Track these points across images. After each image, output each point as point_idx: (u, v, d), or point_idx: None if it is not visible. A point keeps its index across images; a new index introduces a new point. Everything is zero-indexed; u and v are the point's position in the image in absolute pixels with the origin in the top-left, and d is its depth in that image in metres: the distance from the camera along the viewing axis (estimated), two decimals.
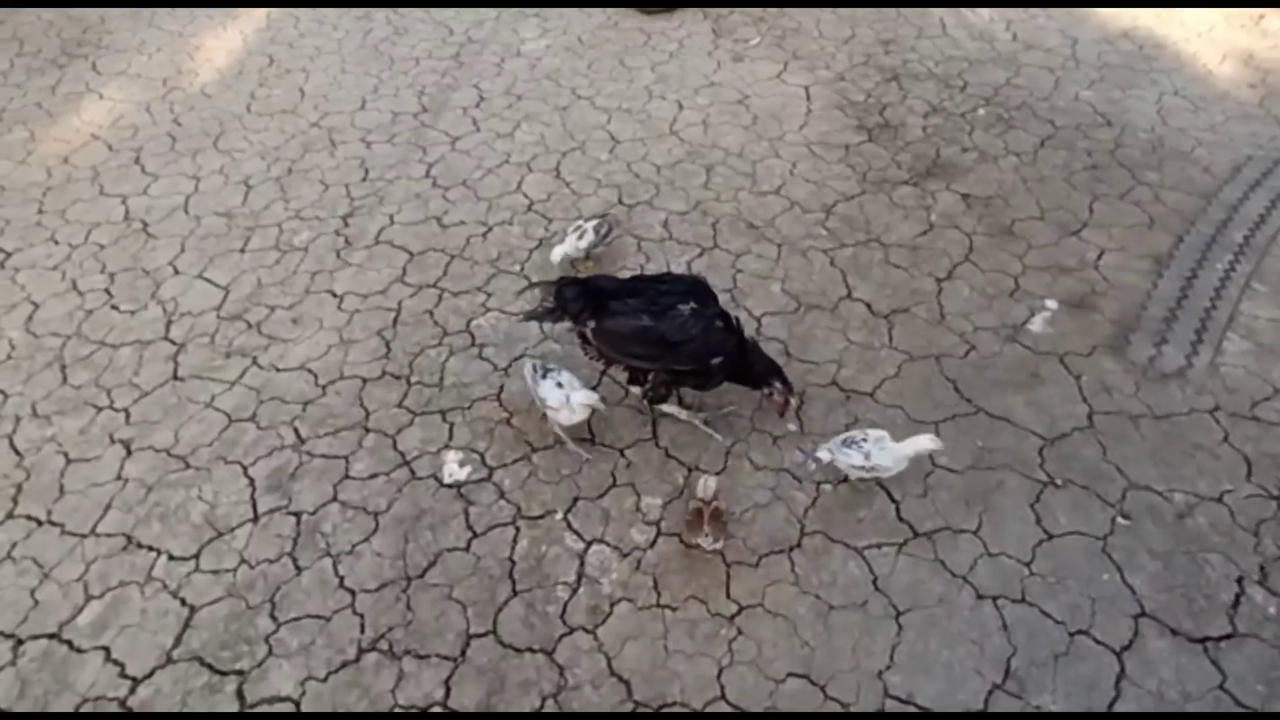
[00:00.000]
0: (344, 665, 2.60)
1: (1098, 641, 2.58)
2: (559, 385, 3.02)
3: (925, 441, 2.83)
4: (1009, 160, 4.59)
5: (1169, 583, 2.72)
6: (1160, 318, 3.64)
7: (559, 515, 2.95)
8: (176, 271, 4.09)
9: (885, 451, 2.82)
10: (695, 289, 3.03)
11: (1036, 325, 3.63)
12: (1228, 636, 2.57)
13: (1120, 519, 2.90)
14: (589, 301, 2.96)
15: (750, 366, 3.04)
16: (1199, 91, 5.10)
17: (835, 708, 2.44)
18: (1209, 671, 2.49)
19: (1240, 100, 5.02)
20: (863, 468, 2.83)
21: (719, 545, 2.75)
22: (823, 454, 2.89)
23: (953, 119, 4.93)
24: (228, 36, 6.11)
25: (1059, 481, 3.01)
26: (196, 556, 2.90)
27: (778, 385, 3.01)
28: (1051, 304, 3.72)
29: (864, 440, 2.84)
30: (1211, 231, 4.07)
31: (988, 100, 5.09)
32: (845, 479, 3.01)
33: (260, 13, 6.42)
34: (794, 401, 3.10)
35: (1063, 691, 2.47)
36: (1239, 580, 2.71)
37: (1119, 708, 2.42)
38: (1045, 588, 2.72)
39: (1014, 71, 5.37)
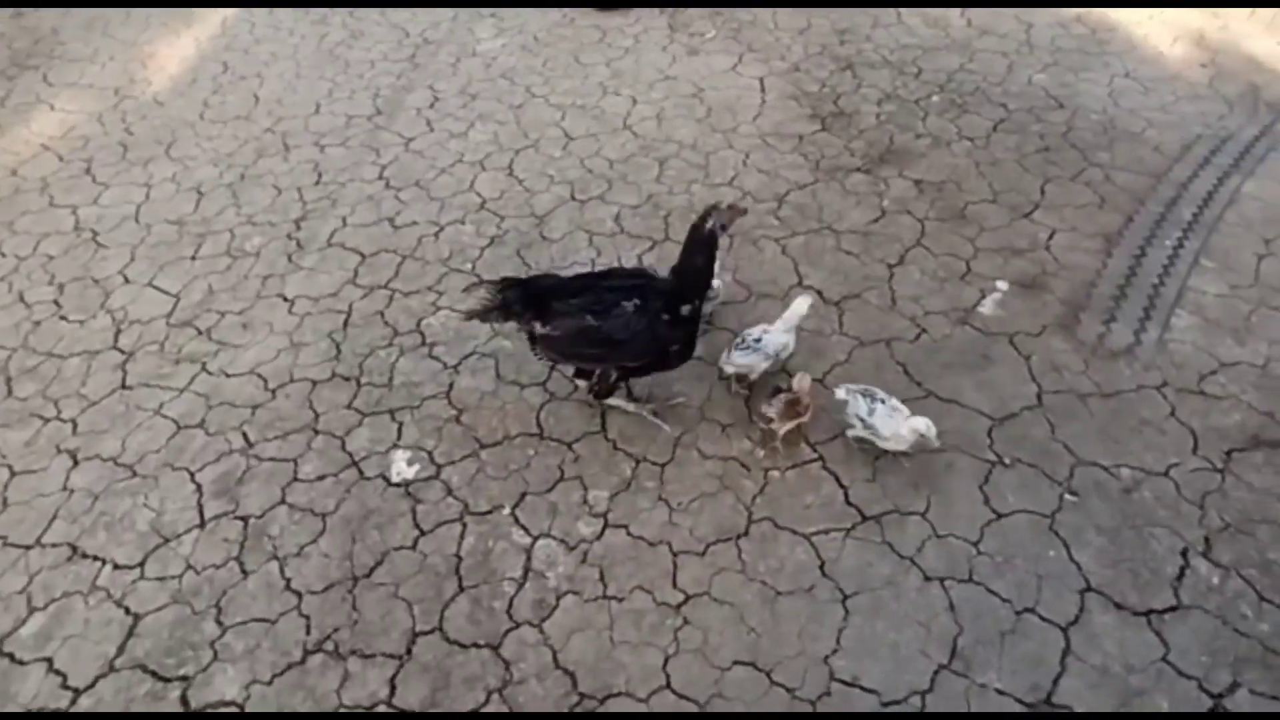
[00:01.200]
0: (289, 667, 2.58)
1: (1044, 618, 2.58)
2: (890, 414, 2.99)
3: (923, 424, 2.86)
4: (962, 145, 4.61)
5: (1115, 557, 2.73)
6: (1110, 296, 3.66)
7: (506, 510, 2.93)
8: (126, 280, 4.05)
9: (892, 419, 2.88)
10: (642, 285, 3.01)
11: (987, 307, 3.64)
12: (1172, 609, 2.59)
13: (1068, 496, 2.92)
14: (531, 302, 2.94)
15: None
16: (1150, 73, 5.14)
17: (781, 694, 2.44)
18: (1153, 644, 2.50)
19: (1191, 80, 5.05)
20: (861, 421, 2.92)
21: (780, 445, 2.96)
22: (840, 392, 2.99)
23: (906, 106, 4.95)
24: (181, 44, 6.06)
25: (1007, 461, 3.02)
26: (142, 564, 2.87)
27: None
28: (1002, 285, 3.74)
29: (882, 400, 2.92)
30: (1161, 210, 4.10)
31: (942, 86, 5.11)
32: (796, 465, 3.01)
33: (215, 19, 6.38)
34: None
35: (1008, 669, 2.47)
36: (1183, 553, 2.73)
37: (1063, 683, 2.43)
38: (993, 567, 2.72)
39: (968, 57, 5.39)
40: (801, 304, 3.19)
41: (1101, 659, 2.48)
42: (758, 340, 3.12)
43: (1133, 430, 3.11)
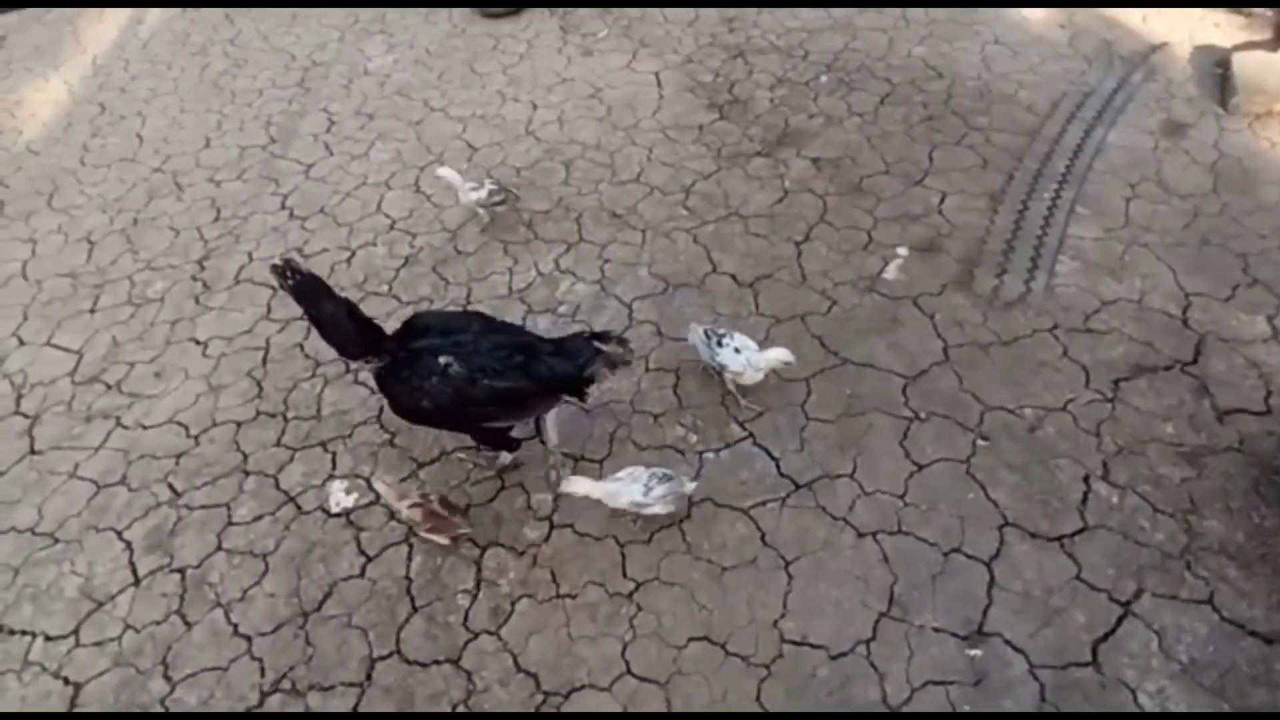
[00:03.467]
0: (247, 712, 2.54)
1: (969, 556, 2.77)
2: (736, 351, 3.07)
3: (779, 355, 3.05)
4: (853, 121, 4.82)
5: (1027, 491, 2.94)
6: (999, 251, 3.91)
7: (464, 533, 2.94)
8: (21, 342, 3.87)
9: (739, 357, 3.06)
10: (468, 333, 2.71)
11: (890, 273, 3.83)
12: (1080, 531, 2.81)
13: (980, 441, 3.12)
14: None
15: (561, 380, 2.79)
16: (1016, 37, 5.47)
17: (736, 663, 2.55)
18: (1066, 565, 2.72)
19: (1053, 41, 5.40)
20: (711, 360, 3.12)
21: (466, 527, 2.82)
22: (689, 335, 3.20)
23: (798, 88, 5.14)
24: (50, 88, 5.77)
25: (923, 415, 3.21)
26: (76, 632, 2.78)
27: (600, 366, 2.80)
28: (903, 251, 3.94)
29: (728, 339, 3.08)
30: (1037, 165, 4.38)
31: (829, 66, 5.32)
32: (727, 445, 3.13)
33: (85, 59, 6.09)
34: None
35: (942, 608, 2.65)
36: (1085, 479, 2.96)
37: (992, 613, 2.61)
38: (919, 515, 2.90)
39: (851, 36, 5.62)
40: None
41: (1023, 586, 2.68)
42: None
43: (1032, 372, 3.34)
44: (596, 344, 2.77)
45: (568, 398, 2.90)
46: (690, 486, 2.81)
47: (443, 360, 2.61)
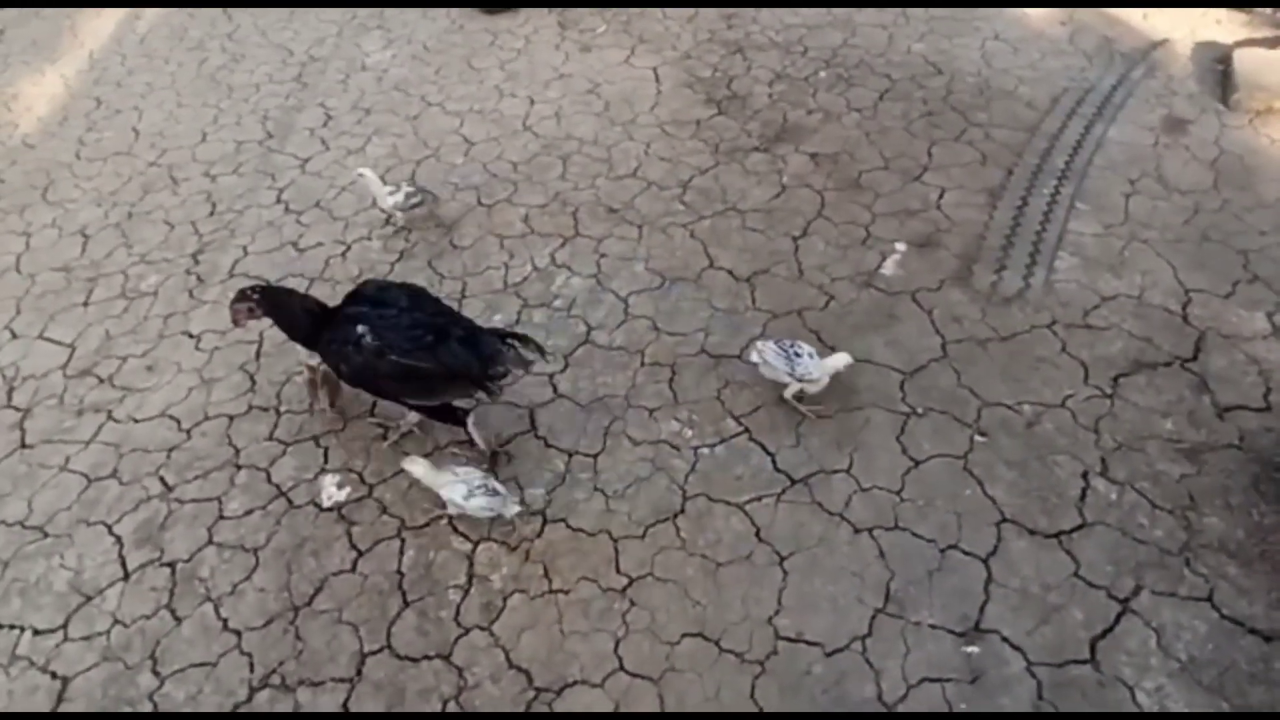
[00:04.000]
0: (236, 708, 2.52)
1: (966, 553, 2.74)
2: (811, 356, 3.05)
3: (841, 360, 3.07)
4: (852, 117, 4.79)
5: (1024, 488, 2.91)
6: (998, 246, 3.88)
7: (444, 520, 2.92)
8: (14, 335, 3.85)
9: (815, 361, 3.04)
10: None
11: (889, 268, 3.81)
12: (1078, 527, 2.78)
13: (977, 437, 3.09)
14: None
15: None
16: (1017, 34, 5.44)
17: (730, 659, 2.52)
18: (1064, 562, 2.69)
19: (1053, 38, 5.38)
20: (791, 373, 3.04)
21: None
22: (753, 355, 3.10)
23: (796, 84, 5.11)
24: (47, 82, 5.75)
25: (920, 411, 3.18)
26: (64, 626, 2.75)
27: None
28: (901, 246, 3.92)
29: (799, 348, 3.05)
30: (1037, 161, 4.36)
31: (828, 62, 5.29)
32: (723, 440, 3.11)
33: (82, 54, 6.07)
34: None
35: (939, 604, 2.62)
36: (1084, 475, 2.93)
37: (989, 610, 2.59)
38: (916, 511, 2.87)
39: (850, 32, 5.59)
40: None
41: (1020, 582, 2.65)
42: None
43: (1030, 368, 3.32)
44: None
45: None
46: (514, 510, 2.81)
47: (359, 329, 2.69)
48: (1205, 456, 2.95)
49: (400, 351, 2.68)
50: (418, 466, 2.80)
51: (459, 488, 2.73)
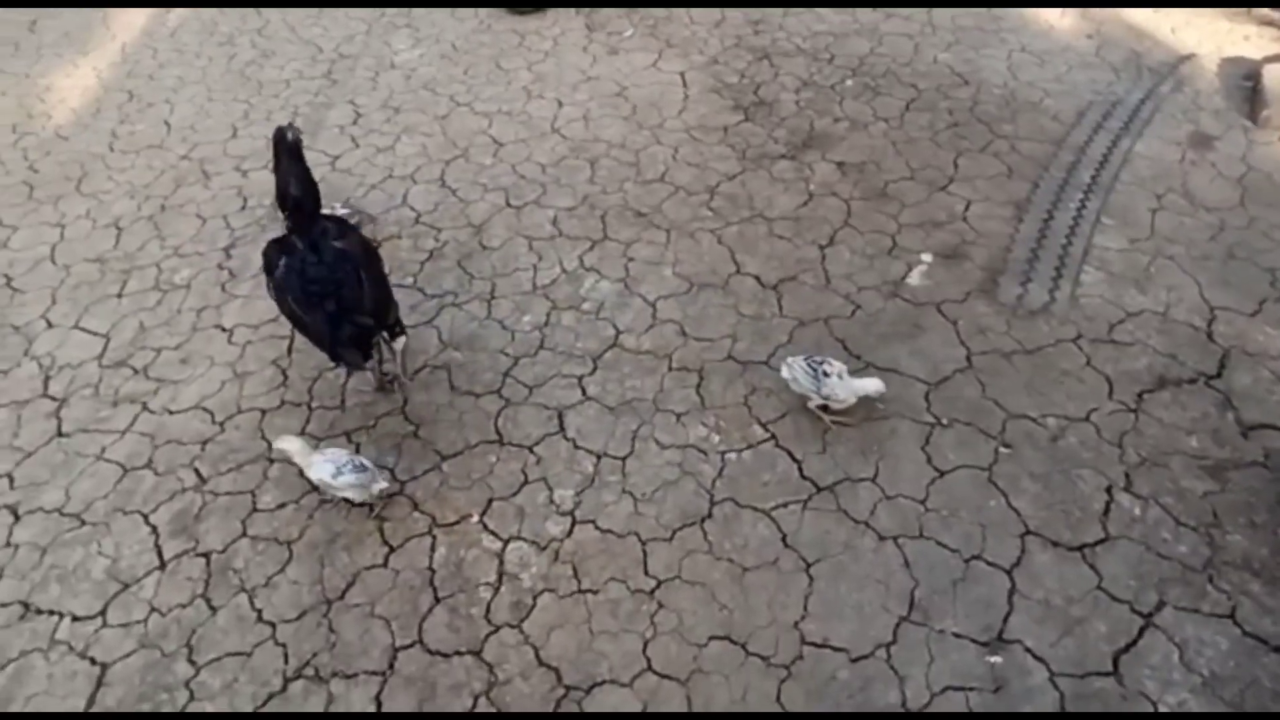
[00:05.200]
0: (270, 697, 2.57)
1: (990, 564, 2.77)
2: (839, 378, 3.06)
3: (872, 385, 3.07)
4: (878, 126, 4.82)
5: (1048, 500, 2.94)
6: (1024, 259, 3.90)
7: (475, 519, 2.97)
8: (50, 325, 3.91)
9: (843, 383, 3.05)
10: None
11: (914, 279, 3.83)
12: (1101, 541, 2.81)
13: (1002, 448, 3.12)
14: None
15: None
16: (1043, 45, 5.45)
17: (757, 663, 2.56)
18: (1088, 575, 2.72)
19: (1080, 50, 5.39)
20: (817, 392, 3.07)
21: None
22: (784, 371, 3.13)
23: (823, 91, 5.14)
24: (80, 75, 5.82)
25: (945, 421, 3.21)
26: (103, 613, 2.81)
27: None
28: (927, 257, 3.94)
29: (829, 367, 3.06)
30: (1063, 174, 4.37)
31: (854, 70, 5.32)
32: (750, 446, 3.14)
33: (114, 47, 6.14)
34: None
35: (963, 614, 2.65)
36: (1108, 489, 2.95)
37: (1013, 620, 2.62)
38: (940, 521, 2.90)
39: (877, 41, 5.62)
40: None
41: (1044, 594, 2.68)
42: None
43: (1055, 381, 3.34)
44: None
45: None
46: (380, 486, 2.91)
47: (282, 262, 2.92)
48: (1229, 474, 2.97)
49: (293, 297, 2.92)
50: (289, 444, 2.91)
51: (327, 467, 2.84)
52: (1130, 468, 3.01)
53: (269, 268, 2.99)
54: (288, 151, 3.01)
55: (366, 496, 2.93)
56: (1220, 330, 3.47)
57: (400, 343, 3.34)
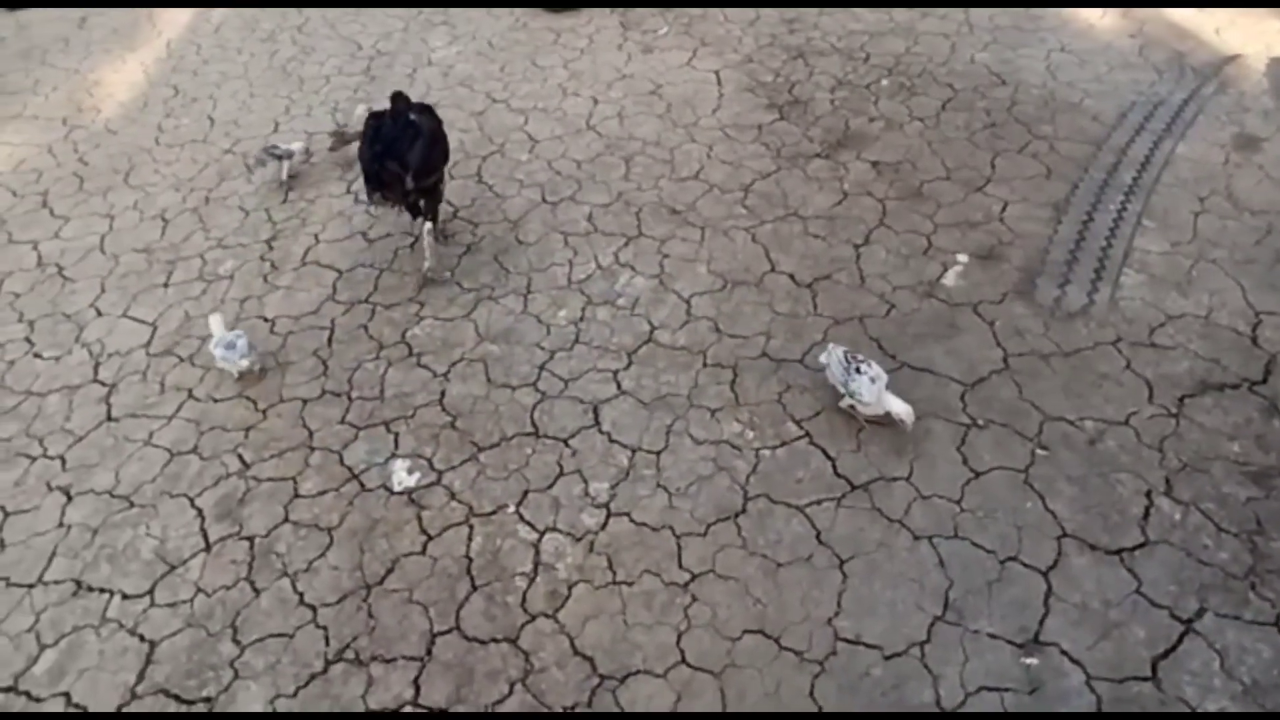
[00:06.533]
0: (312, 678, 2.63)
1: (1026, 565, 2.76)
2: (872, 380, 3.07)
3: (900, 407, 3.05)
4: (914, 126, 4.80)
5: (1086, 504, 2.92)
6: (1062, 261, 3.87)
7: (511, 509, 3.02)
8: (99, 313, 4.02)
9: (873, 386, 3.05)
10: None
11: (950, 279, 3.82)
12: (1140, 546, 2.79)
13: (1039, 450, 3.10)
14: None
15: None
16: (1084, 45, 5.39)
17: (790, 658, 2.57)
18: (1126, 579, 2.70)
19: (1121, 50, 5.32)
20: (844, 385, 3.11)
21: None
22: (823, 356, 3.21)
23: (858, 91, 5.12)
24: (127, 70, 5.97)
25: (981, 422, 3.20)
26: (151, 592, 2.89)
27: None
28: (962, 258, 3.92)
29: (866, 367, 3.08)
30: (1103, 176, 4.33)
31: (890, 70, 5.29)
32: (784, 443, 3.15)
33: (159, 43, 6.28)
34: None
35: (998, 615, 2.64)
36: (1148, 494, 2.93)
37: (1049, 623, 2.61)
38: (975, 522, 2.89)
39: (913, 40, 5.59)
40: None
41: (1081, 597, 2.66)
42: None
43: (1093, 384, 3.31)
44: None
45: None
46: (242, 364, 3.48)
47: (371, 123, 3.80)
48: (1274, 480, 2.93)
49: (366, 141, 3.77)
50: (213, 321, 3.56)
51: (221, 341, 3.50)
52: (1170, 472, 2.98)
53: (365, 126, 3.83)
54: (392, 97, 3.89)
55: (232, 369, 3.52)
56: (1266, 335, 3.42)
57: (426, 226, 3.89)
